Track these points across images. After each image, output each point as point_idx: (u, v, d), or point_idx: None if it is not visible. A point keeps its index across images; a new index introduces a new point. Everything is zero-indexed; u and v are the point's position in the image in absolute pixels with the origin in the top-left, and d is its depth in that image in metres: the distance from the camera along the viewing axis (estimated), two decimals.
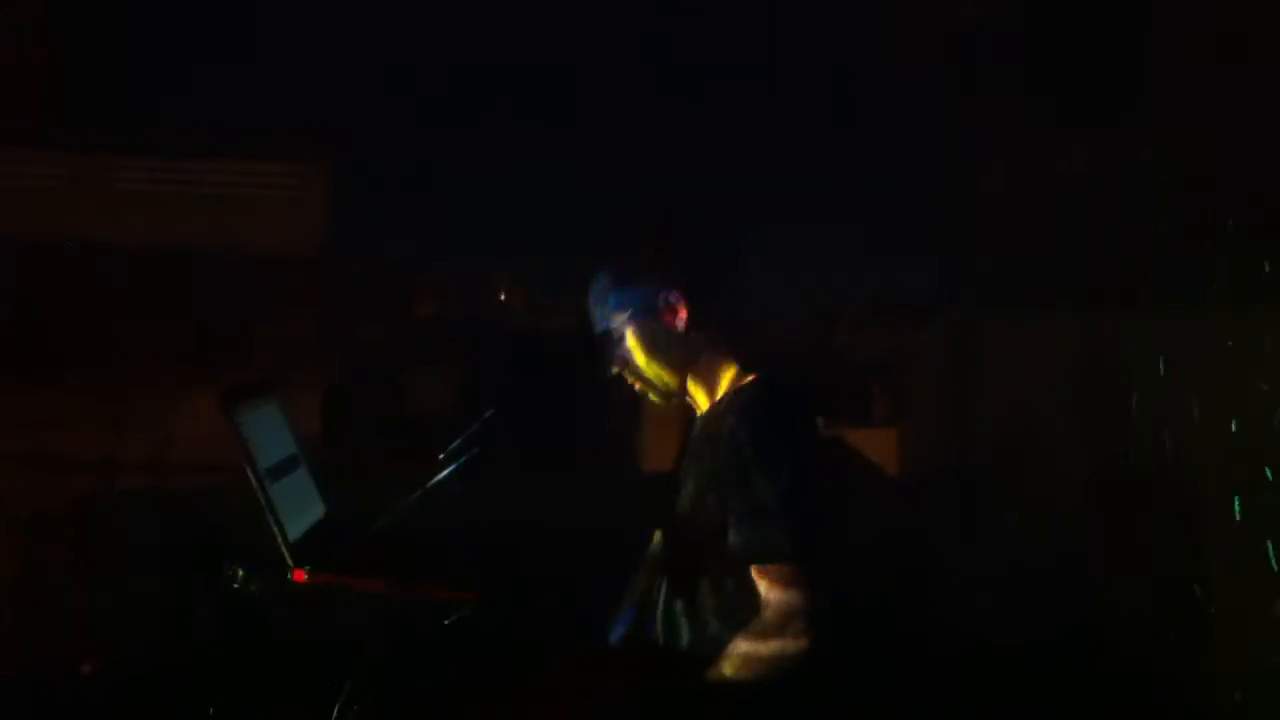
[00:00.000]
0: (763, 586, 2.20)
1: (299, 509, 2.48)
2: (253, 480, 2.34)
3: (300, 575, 2.32)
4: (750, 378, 2.42)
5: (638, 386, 2.49)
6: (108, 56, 9.65)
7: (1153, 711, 4.74)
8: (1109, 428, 5.56)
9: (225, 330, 10.41)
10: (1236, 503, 4.32)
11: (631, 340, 2.44)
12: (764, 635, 2.19)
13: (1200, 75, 5.27)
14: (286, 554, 2.32)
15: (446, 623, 2.35)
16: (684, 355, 2.43)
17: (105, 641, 5.73)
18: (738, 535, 2.24)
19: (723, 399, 2.43)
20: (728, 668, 2.21)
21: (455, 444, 2.66)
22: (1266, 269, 4.58)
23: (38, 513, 7.36)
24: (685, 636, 2.33)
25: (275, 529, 2.32)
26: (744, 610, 2.23)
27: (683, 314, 2.41)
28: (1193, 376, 4.90)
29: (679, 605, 2.38)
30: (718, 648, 2.24)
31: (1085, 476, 5.67)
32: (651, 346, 2.43)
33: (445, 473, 2.64)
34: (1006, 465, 6.42)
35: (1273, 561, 4.16)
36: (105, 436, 8.00)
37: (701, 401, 2.48)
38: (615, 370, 2.48)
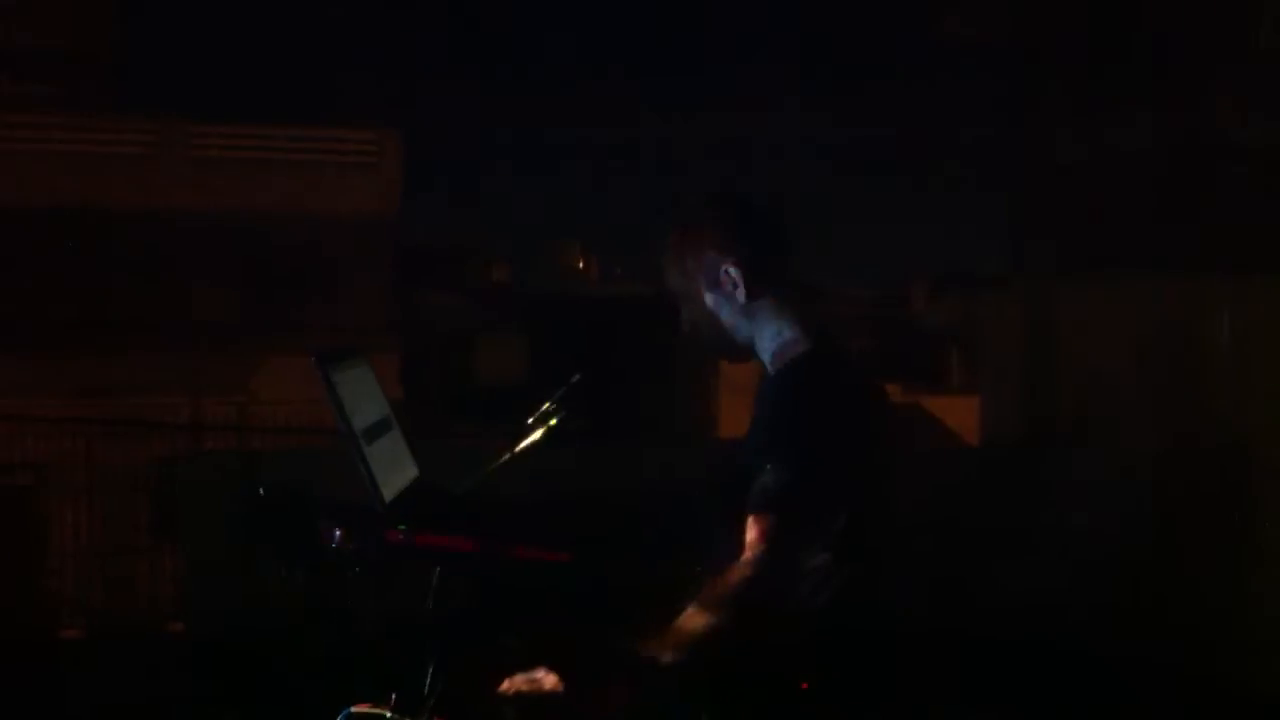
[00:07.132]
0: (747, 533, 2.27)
1: (392, 470, 2.52)
2: (348, 441, 2.36)
3: (395, 535, 2.36)
4: (805, 347, 2.46)
5: (709, 347, 2.56)
6: (186, 24, 9.75)
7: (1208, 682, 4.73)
8: (1183, 393, 5.53)
9: (302, 296, 10.53)
10: None
11: (700, 305, 2.49)
12: (721, 587, 2.24)
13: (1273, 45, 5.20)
14: (382, 513, 2.35)
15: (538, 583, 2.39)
16: (747, 322, 2.51)
17: (194, 602, 5.85)
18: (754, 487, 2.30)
19: (782, 365, 2.49)
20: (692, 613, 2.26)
21: (543, 409, 2.70)
22: None
23: (124, 476, 7.52)
24: None
25: (371, 489, 2.35)
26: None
27: (742, 287, 2.47)
28: (1265, 341, 4.86)
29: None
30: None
31: (1157, 442, 5.64)
32: (718, 313, 2.50)
33: (533, 437, 2.68)
34: (1080, 431, 6.39)
35: None
36: (187, 400, 8.15)
37: (767, 364, 2.54)
38: (687, 330, 2.55)
